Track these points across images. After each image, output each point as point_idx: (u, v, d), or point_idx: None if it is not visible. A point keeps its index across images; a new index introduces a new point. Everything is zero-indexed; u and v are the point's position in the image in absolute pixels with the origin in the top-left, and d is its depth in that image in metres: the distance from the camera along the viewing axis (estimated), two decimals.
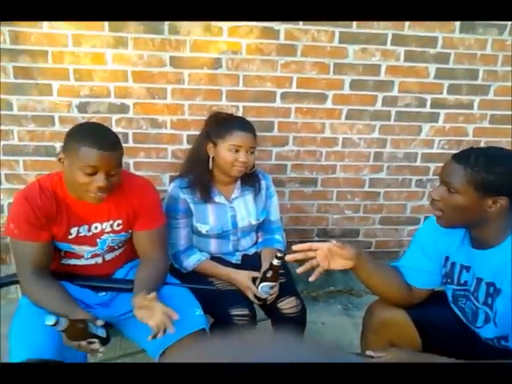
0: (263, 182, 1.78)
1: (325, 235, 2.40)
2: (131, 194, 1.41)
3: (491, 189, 1.13)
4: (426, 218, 2.33)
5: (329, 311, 2.31)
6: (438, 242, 1.34)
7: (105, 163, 1.24)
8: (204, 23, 1.98)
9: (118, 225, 1.43)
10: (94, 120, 1.99)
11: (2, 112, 2.02)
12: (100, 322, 1.23)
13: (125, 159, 2.07)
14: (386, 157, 2.32)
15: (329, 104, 2.18)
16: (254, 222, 1.75)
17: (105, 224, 1.41)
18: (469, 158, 1.15)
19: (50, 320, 1.13)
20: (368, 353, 1.28)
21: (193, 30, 1.99)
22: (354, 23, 2.06)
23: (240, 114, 2.08)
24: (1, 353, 1.52)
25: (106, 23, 1.93)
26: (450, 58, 2.16)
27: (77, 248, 1.41)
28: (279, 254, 1.48)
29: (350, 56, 2.11)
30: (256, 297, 1.55)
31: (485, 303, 1.26)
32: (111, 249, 1.47)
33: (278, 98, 2.14)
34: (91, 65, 1.99)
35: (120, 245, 1.49)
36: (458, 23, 2.11)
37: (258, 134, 1.67)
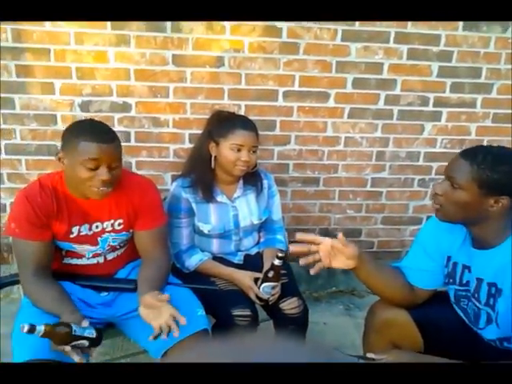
0: (265, 182, 1.77)
1: (327, 235, 2.39)
2: (132, 193, 1.41)
3: (495, 188, 1.13)
4: (428, 217, 2.32)
5: (331, 312, 2.31)
6: (440, 241, 1.34)
7: (106, 155, 1.25)
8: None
9: (119, 224, 1.42)
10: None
11: (5, 111, 2.03)
12: (85, 323, 1.21)
13: (127, 158, 2.09)
14: (389, 156, 2.31)
15: (331, 103, 2.17)
16: (256, 222, 1.75)
17: (106, 223, 1.41)
18: (476, 155, 1.14)
19: (24, 328, 1.09)
20: (369, 355, 1.27)
21: (195, 29, 1.99)
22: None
23: (242, 112, 2.08)
24: (1, 353, 1.53)
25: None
26: (452, 56, 2.16)
27: (78, 247, 1.41)
28: (280, 254, 1.48)
29: (352, 54, 2.11)
30: (258, 297, 1.55)
31: (487, 304, 1.25)
32: (113, 248, 1.47)
33: (280, 97, 2.14)
34: (93, 63, 1.99)
35: (121, 244, 1.49)
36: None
37: (260, 132, 1.66)
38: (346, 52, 2.10)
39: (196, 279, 1.60)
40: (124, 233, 1.45)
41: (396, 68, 2.15)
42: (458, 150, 1.23)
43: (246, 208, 1.73)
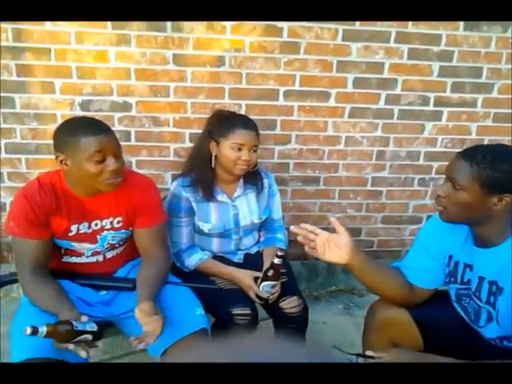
0: (266, 181, 1.77)
1: None
2: (132, 191, 1.41)
3: (496, 186, 1.13)
4: (428, 217, 2.32)
5: (330, 310, 2.31)
6: (442, 240, 1.34)
7: (109, 145, 1.27)
8: None
9: (118, 222, 1.43)
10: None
11: (5, 110, 2.03)
12: (84, 318, 1.22)
13: (127, 157, 2.09)
14: (389, 155, 2.31)
15: (332, 102, 2.17)
16: (256, 221, 1.75)
17: (105, 221, 1.41)
18: (475, 154, 1.14)
19: (27, 330, 1.09)
20: (368, 353, 1.27)
21: (196, 28, 1.99)
22: None
23: (243, 112, 2.08)
24: (0, 352, 1.53)
25: None
26: (453, 55, 2.16)
27: (77, 245, 1.41)
28: (280, 253, 1.48)
29: (353, 54, 2.11)
30: (257, 296, 1.55)
31: (487, 302, 1.25)
32: (112, 246, 1.47)
33: (280, 96, 2.14)
34: (94, 63, 1.99)
35: (121, 243, 1.49)
36: None
37: (260, 132, 1.66)
38: (347, 52, 2.10)
39: (196, 278, 1.60)
40: (123, 231, 1.45)
41: (397, 68, 2.15)
42: (459, 150, 1.23)
43: (246, 207, 1.73)
